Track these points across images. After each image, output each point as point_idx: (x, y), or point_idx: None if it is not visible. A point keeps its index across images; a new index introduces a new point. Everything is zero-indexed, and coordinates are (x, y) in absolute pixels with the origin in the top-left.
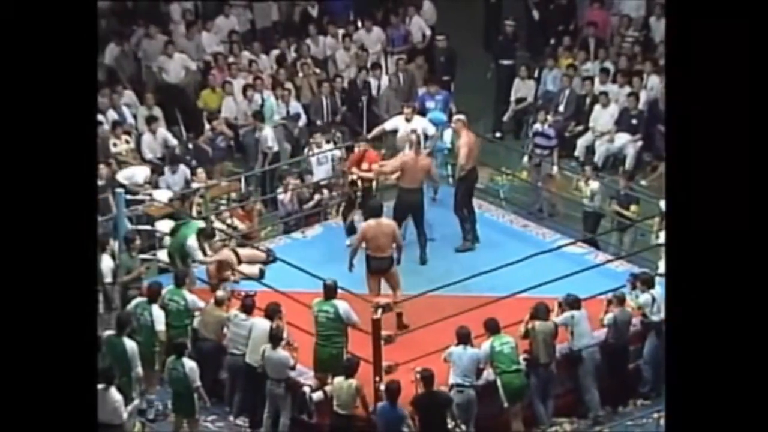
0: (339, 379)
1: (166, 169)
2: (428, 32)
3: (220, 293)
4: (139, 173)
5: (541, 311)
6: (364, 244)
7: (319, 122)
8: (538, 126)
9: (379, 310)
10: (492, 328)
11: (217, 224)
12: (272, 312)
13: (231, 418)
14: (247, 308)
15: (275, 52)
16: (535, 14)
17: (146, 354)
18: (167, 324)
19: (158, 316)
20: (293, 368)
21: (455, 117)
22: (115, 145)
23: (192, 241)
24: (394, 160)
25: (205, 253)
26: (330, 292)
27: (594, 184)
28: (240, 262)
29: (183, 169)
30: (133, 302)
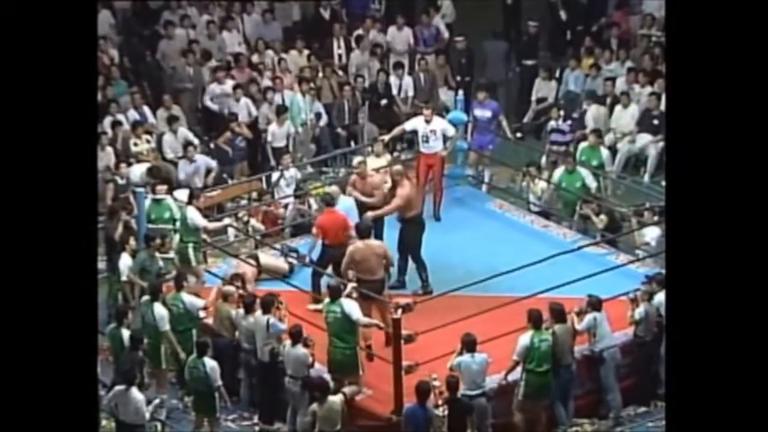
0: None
1: (182, 162)
2: (446, 34)
3: (226, 288)
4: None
5: (559, 313)
6: (353, 269)
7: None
8: (552, 123)
9: (399, 310)
10: (536, 320)
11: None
12: (268, 305)
13: (252, 417)
14: (248, 306)
15: (293, 53)
16: (563, 14)
17: (152, 353)
18: (172, 328)
19: (160, 314)
20: (311, 366)
21: (395, 168)
22: (135, 144)
23: (191, 212)
24: (400, 194)
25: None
26: (334, 292)
27: (541, 183)
28: (260, 272)
29: (200, 163)
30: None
